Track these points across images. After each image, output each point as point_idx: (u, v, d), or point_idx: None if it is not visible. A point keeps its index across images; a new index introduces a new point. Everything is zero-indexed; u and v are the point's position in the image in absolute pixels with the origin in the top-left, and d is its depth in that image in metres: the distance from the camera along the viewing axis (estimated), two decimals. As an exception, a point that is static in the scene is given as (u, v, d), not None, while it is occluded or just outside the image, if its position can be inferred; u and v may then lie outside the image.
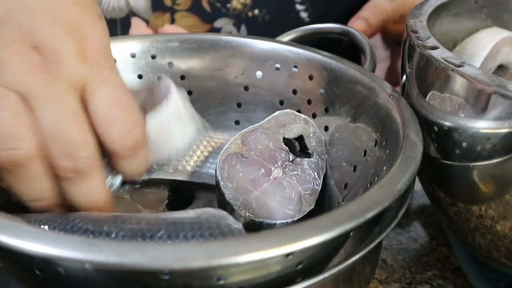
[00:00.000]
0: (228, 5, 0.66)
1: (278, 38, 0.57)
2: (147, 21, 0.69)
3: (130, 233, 0.37)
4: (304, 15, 0.68)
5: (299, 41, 0.57)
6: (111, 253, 0.30)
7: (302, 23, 0.69)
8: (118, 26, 0.70)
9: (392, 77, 0.69)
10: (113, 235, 0.37)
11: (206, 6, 0.66)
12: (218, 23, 0.68)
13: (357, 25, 0.60)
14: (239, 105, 0.56)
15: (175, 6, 0.67)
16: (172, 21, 0.68)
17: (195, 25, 0.69)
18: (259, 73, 0.55)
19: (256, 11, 0.66)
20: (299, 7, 0.68)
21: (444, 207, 0.45)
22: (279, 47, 0.54)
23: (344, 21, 0.62)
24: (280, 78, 0.54)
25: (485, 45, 0.51)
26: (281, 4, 0.67)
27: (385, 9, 0.62)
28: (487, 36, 0.51)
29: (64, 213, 0.40)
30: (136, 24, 0.69)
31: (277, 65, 0.54)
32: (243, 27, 0.69)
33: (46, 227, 0.38)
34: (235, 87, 0.55)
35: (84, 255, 0.30)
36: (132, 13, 0.68)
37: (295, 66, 0.53)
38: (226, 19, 0.68)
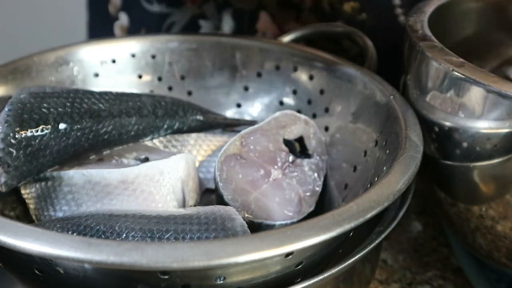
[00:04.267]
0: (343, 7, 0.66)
1: (279, 38, 0.57)
2: (273, 16, 0.68)
3: (140, 233, 0.37)
4: (401, 18, 0.68)
5: (300, 41, 0.57)
6: (110, 253, 0.30)
7: (398, 28, 0.68)
8: (246, 18, 0.69)
9: None
10: (124, 235, 0.37)
11: (326, 6, 0.65)
12: None
13: None
14: (239, 105, 0.56)
15: (301, 5, 0.67)
16: (297, 19, 0.68)
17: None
18: (259, 73, 0.55)
19: (364, 15, 0.66)
20: (398, 10, 0.67)
21: (444, 208, 0.45)
22: (279, 47, 0.54)
23: None
24: (280, 78, 0.54)
25: None
26: (383, 9, 0.67)
27: None
28: None
29: (77, 214, 0.41)
30: (264, 19, 0.68)
31: (277, 65, 0.54)
32: None
33: (59, 230, 0.39)
34: (235, 87, 0.55)
35: (83, 255, 0.30)
36: (261, 7, 0.67)
37: (295, 66, 0.53)
38: (341, 21, 0.67)
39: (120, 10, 0.76)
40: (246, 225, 0.38)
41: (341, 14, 0.65)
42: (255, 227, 0.44)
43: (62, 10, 1.27)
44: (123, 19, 0.75)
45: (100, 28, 0.80)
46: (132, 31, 0.75)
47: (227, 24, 0.69)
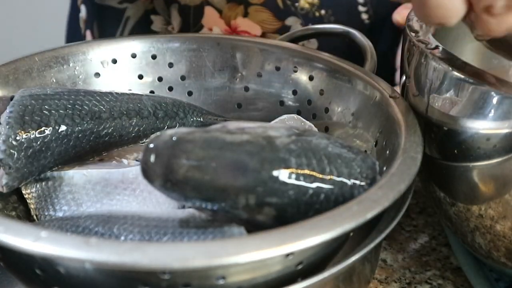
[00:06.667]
0: (296, 4, 0.66)
1: (279, 39, 0.57)
2: (220, 12, 0.69)
3: (138, 236, 0.37)
4: (364, 16, 0.68)
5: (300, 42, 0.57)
6: (112, 253, 0.30)
7: (362, 24, 0.69)
8: (192, 14, 0.70)
9: None
10: (122, 237, 0.37)
11: (279, 2, 0.66)
12: (289, 21, 0.68)
13: (404, 14, 0.59)
14: (239, 105, 0.56)
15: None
16: (246, 14, 0.68)
17: (267, 21, 0.68)
18: (259, 73, 0.55)
19: (323, 12, 0.66)
20: (361, 8, 0.67)
21: (444, 207, 0.46)
22: (279, 48, 0.55)
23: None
24: (280, 79, 0.54)
25: None
26: (345, 5, 0.67)
27: None
28: None
29: (76, 215, 0.41)
30: (209, 14, 0.69)
31: (277, 66, 0.54)
32: None
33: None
34: (235, 87, 0.55)
35: (84, 255, 0.30)
36: (206, 2, 0.68)
37: (295, 67, 0.53)
38: (294, 18, 0.67)
39: (81, 3, 0.77)
40: (243, 227, 0.38)
41: (296, 10, 0.66)
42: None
43: (62, 10, 1.27)
44: (83, 11, 0.77)
45: (73, 20, 0.81)
46: (89, 23, 0.76)
47: (175, 19, 0.70)
